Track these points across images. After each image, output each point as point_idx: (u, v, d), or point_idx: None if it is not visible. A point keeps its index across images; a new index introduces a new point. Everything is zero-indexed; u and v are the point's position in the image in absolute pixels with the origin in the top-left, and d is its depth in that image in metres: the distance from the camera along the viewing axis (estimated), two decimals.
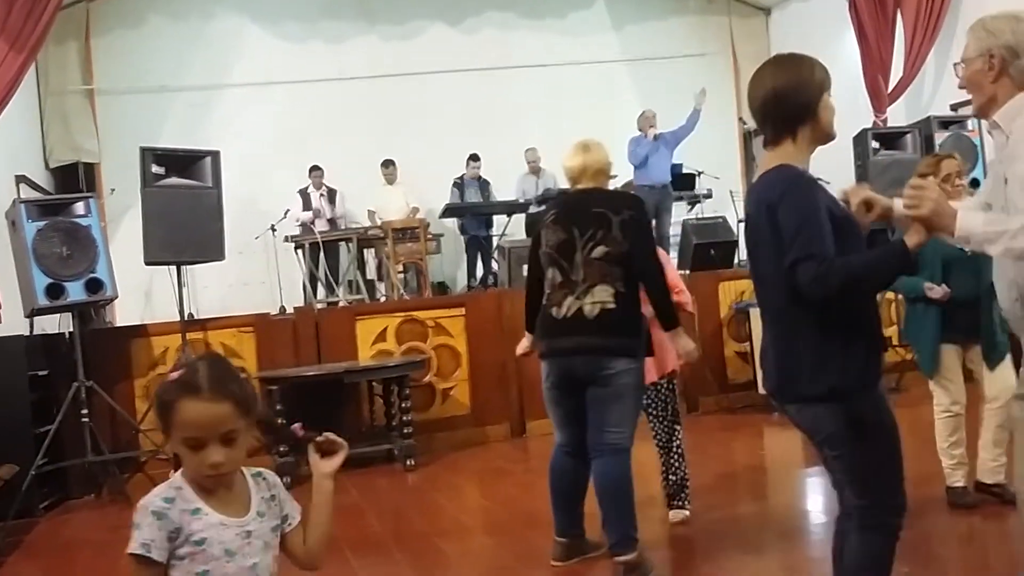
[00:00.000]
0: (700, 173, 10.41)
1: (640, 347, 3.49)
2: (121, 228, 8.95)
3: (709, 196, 10.27)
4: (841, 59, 9.84)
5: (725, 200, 9.69)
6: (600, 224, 3.45)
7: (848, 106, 10.31)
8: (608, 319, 3.40)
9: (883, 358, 2.32)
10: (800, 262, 2.14)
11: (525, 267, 7.77)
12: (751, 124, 11.19)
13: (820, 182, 2.28)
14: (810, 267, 2.12)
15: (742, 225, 6.21)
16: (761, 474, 5.47)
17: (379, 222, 9.56)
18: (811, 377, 2.23)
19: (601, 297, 3.41)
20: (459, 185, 10.18)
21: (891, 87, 9.16)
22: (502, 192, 10.25)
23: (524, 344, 3.92)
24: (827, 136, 2.34)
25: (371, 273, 9.48)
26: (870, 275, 2.19)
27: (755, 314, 6.98)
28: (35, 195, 8.21)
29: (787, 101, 2.28)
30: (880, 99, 9.19)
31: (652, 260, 3.49)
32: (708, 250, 8.11)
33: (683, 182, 10.11)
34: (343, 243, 9.23)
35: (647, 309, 3.56)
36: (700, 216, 9.80)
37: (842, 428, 2.23)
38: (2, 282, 6.32)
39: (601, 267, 3.43)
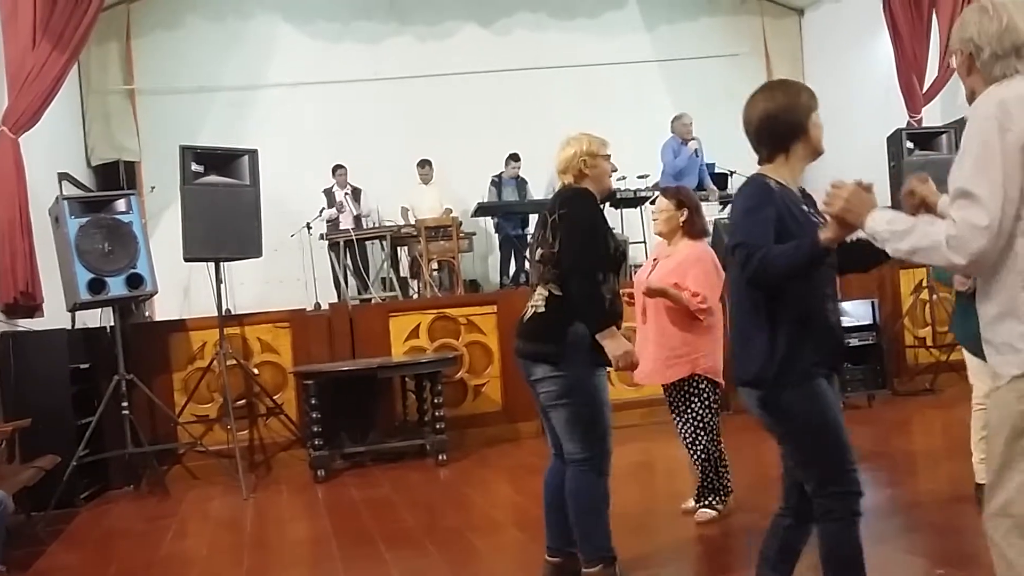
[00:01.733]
0: (733, 173, 10.35)
1: (566, 353, 3.22)
2: (161, 225, 9.10)
3: None
4: (875, 59, 9.79)
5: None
6: (543, 225, 3.36)
7: (882, 106, 10.34)
8: (532, 323, 3.32)
9: (828, 355, 2.52)
10: (736, 247, 2.45)
11: None
12: None
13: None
14: (741, 251, 2.42)
15: None
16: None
17: (412, 220, 9.63)
18: (741, 364, 2.56)
19: (536, 300, 3.33)
20: (497, 184, 10.22)
21: (926, 87, 9.08)
22: (539, 191, 10.29)
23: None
24: (816, 152, 2.60)
25: (404, 271, 9.56)
26: (784, 262, 2.38)
27: None
28: (77, 192, 8.37)
29: (779, 121, 2.54)
30: (915, 99, 9.10)
31: (572, 259, 3.22)
32: (623, 251, 8.05)
33: (716, 182, 10.08)
34: (376, 241, 9.33)
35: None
36: None
37: (768, 416, 2.52)
38: (45, 277, 6.46)
39: (538, 269, 3.35)
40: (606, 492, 3.34)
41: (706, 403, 4.31)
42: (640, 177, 9.14)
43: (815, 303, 2.51)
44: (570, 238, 3.23)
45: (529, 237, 9.71)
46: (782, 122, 2.55)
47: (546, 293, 3.28)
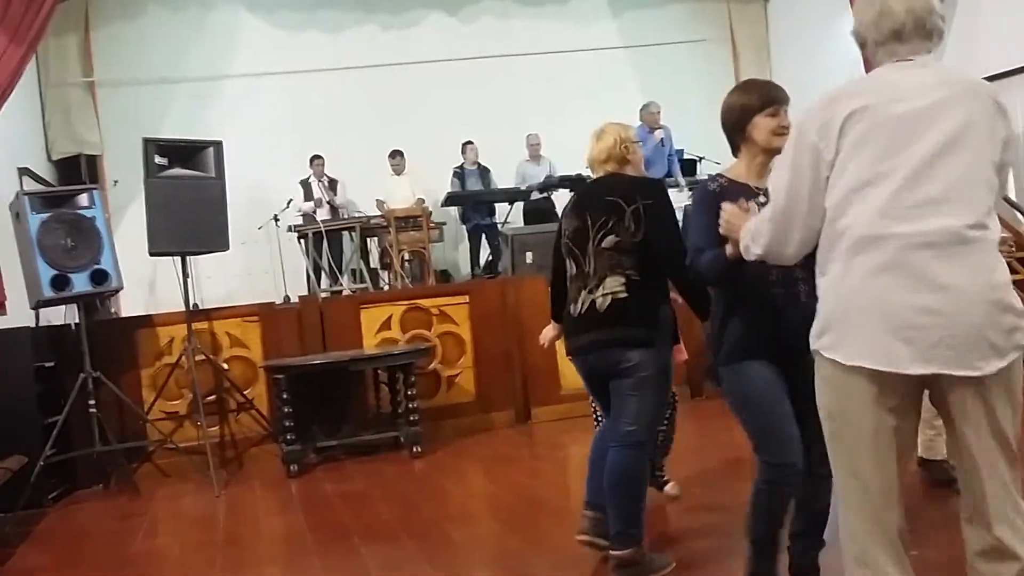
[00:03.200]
0: (702, 159, 10.42)
1: (659, 336, 3.33)
2: (125, 219, 8.97)
3: None
4: (841, 44, 9.77)
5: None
6: (612, 212, 3.33)
7: None
8: (620, 309, 3.30)
9: (763, 338, 2.77)
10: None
11: (528, 254, 7.86)
12: None
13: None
14: (682, 254, 2.93)
15: None
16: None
17: (385, 211, 9.57)
18: (707, 351, 2.97)
19: (612, 287, 3.30)
20: (459, 174, 10.19)
21: None
22: (503, 179, 10.26)
23: (548, 333, 3.83)
24: (766, 149, 2.80)
25: (374, 262, 9.50)
26: (708, 270, 2.72)
27: None
28: (38, 187, 8.22)
29: (724, 122, 2.87)
30: None
31: (672, 247, 3.26)
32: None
33: (685, 168, 10.12)
34: (346, 232, 9.26)
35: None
36: None
37: (725, 393, 2.89)
38: (7, 274, 6.33)
39: (611, 257, 3.32)
40: (647, 474, 3.48)
41: None
42: None
43: (753, 290, 2.75)
44: (664, 227, 3.32)
45: (502, 226, 9.71)
46: (725, 123, 2.87)
47: (624, 279, 3.29)
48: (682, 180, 9.60)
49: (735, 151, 2.88)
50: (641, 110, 9.40)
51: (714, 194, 2.75)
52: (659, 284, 3.38)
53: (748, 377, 2.79)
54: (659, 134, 9.24)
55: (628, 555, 3.30)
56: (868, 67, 2.31)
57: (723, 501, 4.27)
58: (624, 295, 3.29)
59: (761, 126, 2.78)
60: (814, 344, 2.19)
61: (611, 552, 3.36)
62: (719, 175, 2.89)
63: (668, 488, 4.46)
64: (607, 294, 3.31)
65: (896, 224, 2.03)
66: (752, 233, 2.32)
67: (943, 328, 1.99)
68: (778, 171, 2.26)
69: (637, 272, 3.30)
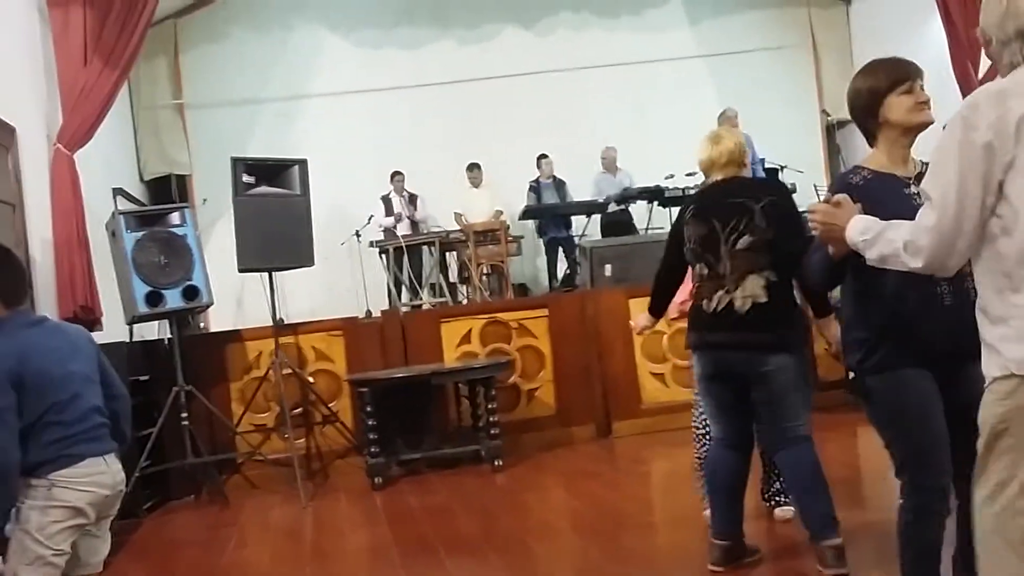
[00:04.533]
0: (783, 167, 10.22)
1: (797, 339, 3.40)
2: (213, 237, 9.22)
3: (794, 191, 10.05)
4: (927, 47, 9.55)
5: (809, 194, 9.50)
6: (741, 213, 3.36)
7: (937, 94, 9.90)
8: (759, 314, 3.32)
9: (914, 346, 2.54)
10: None
11: (607, 267, 7.81)
12: (835, 116, 11.09)
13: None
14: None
15: None
16: (855, 474, 5.34)
17: (463, 225, 9.64)
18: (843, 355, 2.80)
19: (752, 290, 3.32)
20: (535, 188, 10.19)
21: (981, 73, 8.83)
22: (579, 192, 10.24)
23: (642, 320, 3.96)
24: (908, 128, 2.61)
25: (453, 276, 9.57)
26: (815, 270, 2.68)
27: None
28: (133, 207, 8.52)
29: (854, 111, 2.69)
30: (970, 85, 8.85)
31: (800, 244, 3.18)
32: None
33: (767, 176, 9.94)
34: (425, 247, 9.35)
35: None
36: None
37: (860, 399, 2.69)
38: (103, 291, 6.58)
39: (748, 257, 3.34)
40: None
41: None
42: (688, 175, 9.03)
43: (905, 295, 2.51)
44: (791, 225, 3.36)
45: (576, 238, 9.69)
46: (854, 109, 2.69)
47: (764, 281, 3.32)
48: None
49: (871, 140, 2.69)
50: (719, 116, 9.28)
51: (858, 188, 2.54)
52: (791, 286, 3.40)
53: (905, 388, 2.55)
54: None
55: (839, 540, 3.31)
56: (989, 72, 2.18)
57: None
58: (764, 299, 3.31)
59: (896, 105, 2.59)
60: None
61: (823, 544, 3.30)
62: (860, 166, 2.67)
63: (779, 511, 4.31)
64: (747, 297, 3.33)
65: None
66: (907, 243, 2.03)
67: None
68: (939, 172, 1.97)
69: (775, 272, 3.32)
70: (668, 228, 4.60)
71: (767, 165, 10.03)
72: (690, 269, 3.63)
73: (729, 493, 3.56)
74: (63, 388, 2.84)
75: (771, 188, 3.47)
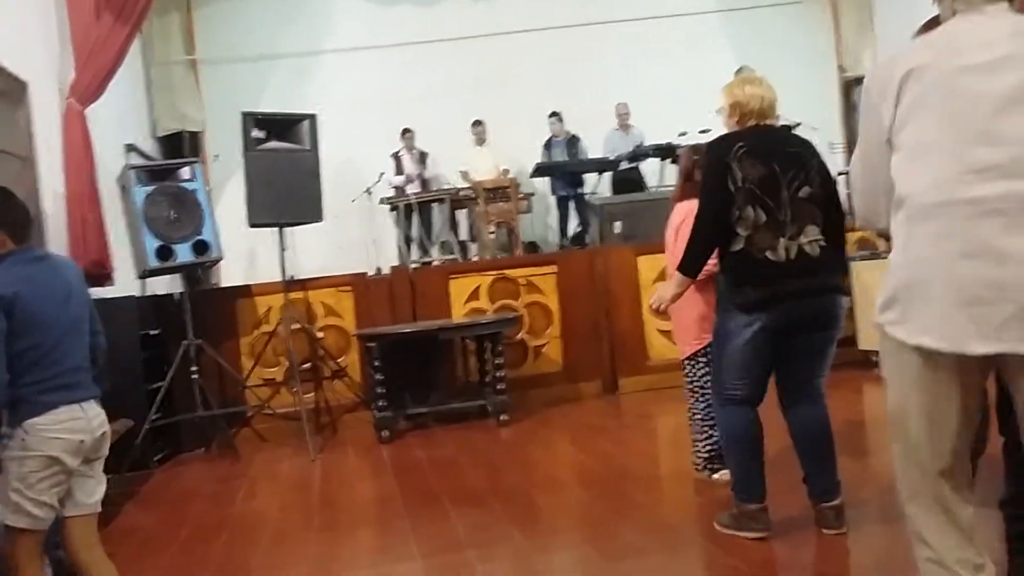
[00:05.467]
0: (798, 124, 10.08)
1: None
2: (226, 193, 9.24)
3: None
4: None
5: (824, 152, 9.39)
6: (801, 165, 3.33)
7: None
8: (828, 257, 3.33)
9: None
10: None
11: (617, 224, 7.79)
12: (852, 73, 10.92)
13: None
14: None
15: (842, 178, 6.04)
16: (859, 429, 5.35)
17: (470, 182, 9.61)
18: None
19: (815, 237, 3.30)
20: (547, 145, 10.14)
21: None
22: (591, 149, 10.17)
23: (673, 291, 3.50)
24: None
25: (463, 233, 9.56)
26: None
27: (857, 267, 6.79)
28: (143, 162, 8.53)
29: None
30: None
31: (840, 206, 3.44)
32: None
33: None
34: (436, 204, 9.35)
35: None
36: None
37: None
38: (115, 246, 6.62)
39: (809, 208, 3.31)
40: None
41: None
42: (701, 132, 8.93)
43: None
44: (835, 188, 3.46)
45: (586, 196, 9.65)
46: None
47: (819, 231, 3.33)
48: None
49: None
50: (736, 72, 9.14)
51: None
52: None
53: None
54: None
55: (842, 502, 3.40)
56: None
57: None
58: (825, 244, 3.34)
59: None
60: (879, 317, 2.08)
61: (827, 504, 3.39)
62: None
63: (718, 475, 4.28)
64: (813, 241, 3.30)
65: (958, 190, 1.90)
66: (853, 203, 2.25)
67: (1013, 302, 1.84)
68: (858, 145, 2.18)
69: (823, 227, 3.35)
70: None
71: (782, 122, 9.90)
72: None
73: (762, 452, 3.47)
74: (49, 332, 2.84)
75: (813, 148, 3.46)
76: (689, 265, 3.41)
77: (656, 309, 3.61)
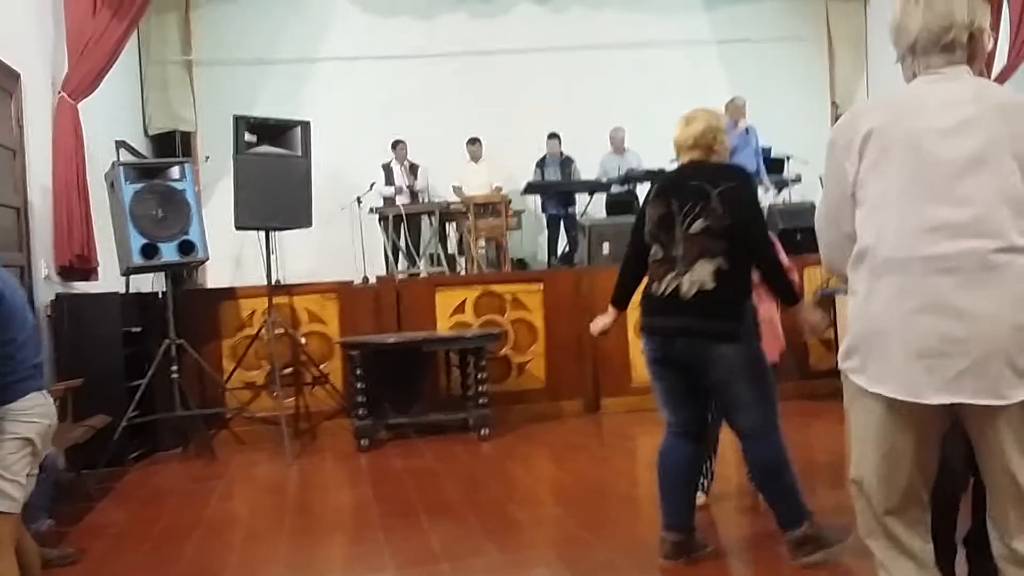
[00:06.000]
0: (789, 158, 10.19)
1: (744, 329, 3.28)
2: (215, 195, 9.22)
3: (798, 181, 10.05)
4: None
5: (814, 185, 9.46)
6: (698, 197, 3.26)
7: None
8: (704, 300, 3.22)
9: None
10: None
11: (605, 245, 7.81)
12: (844, 107, 11.03)
13: None
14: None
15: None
16: (841, 461, 5.35)
17: (462, 197, 9.63)
18: None
19: (700, 276, 3.22)
20: (540, 164, 10.18)
21: (994, 75, 8.78)
22: (585, 170, 10.21)
23: (603, 321, 3.71)
24: None
25: (452, 247, 9.57)
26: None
27: (841, 300, 6.82)
28: (133, 159, 8.50)
29: None
30: None
31: (757, 232, 3.25)
32: (795, 235, 7.94)
33: (772, 166, 9.90)
34: (425, 216, 9.35)
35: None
36: (788, 201, 9.61)
37: None
38: (100, 241, 6.58)
39: (701, 241, 3.24)
40: (787, 451, 3.41)
41: None
42: None
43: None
44: (749, 212, 3.27)
45: (580, 216, 9.68)
46: None
47: (713, 268, 3.22)
48: (767, 180, 9.42)
49: None
50: (727, 104, 9.22)
51: None
52: (746, 275, 3.31)
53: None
54: (743, 124, 9.03)
55: (802, 532, 3.32)
56: None
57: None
58: (711, 286, 3.22)
59: None
60: (841, 364, 2.17)
61: (786, 537, 3.36)
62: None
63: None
64: (694, 282, 3.24)
65: (917, 247, 1.99)
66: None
67: (967, 356, 1.93)
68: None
69: (728, 261, 3.23)
70: None
71: (773, 155, 10.00)
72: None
73: (679, 483, 3.48)
74: (23, 326, 3.01)
75: (731, 175, 3.33)
76: (614, 295, 3.69)
77: (594, 333, 3.79)
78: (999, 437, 1.98)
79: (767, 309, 3.92)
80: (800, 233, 7.98)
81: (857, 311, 2.11)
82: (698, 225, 3.26)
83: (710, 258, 3.23)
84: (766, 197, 9.58)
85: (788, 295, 3.34)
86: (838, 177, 2.15)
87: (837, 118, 11.26)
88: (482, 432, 6.22)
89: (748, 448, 3.38)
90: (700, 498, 4.02)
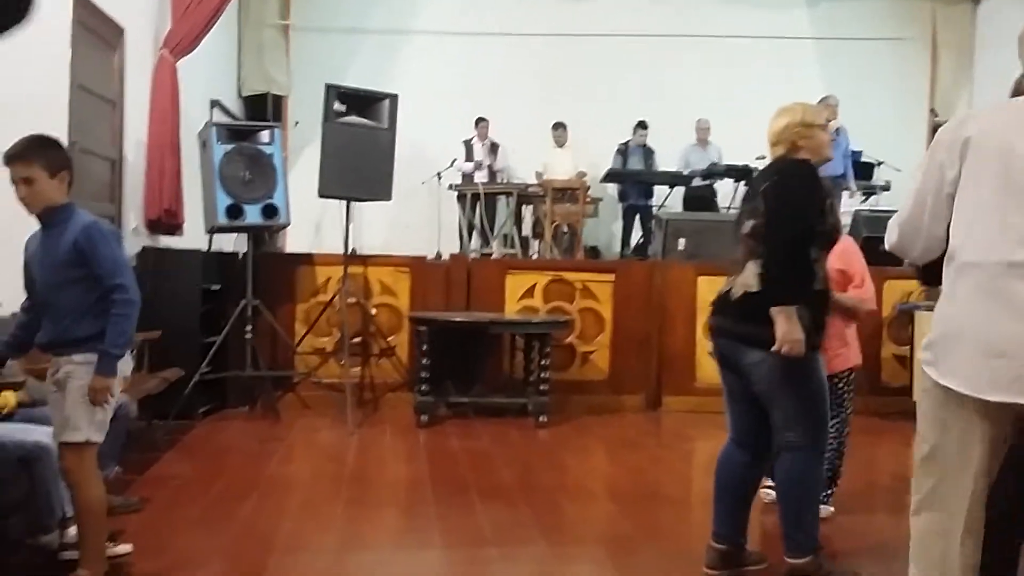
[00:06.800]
0: (880, 163, 9.91)
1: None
2: (301, 160, 9.39)
3: (887, 188, 9.76)
4: None
5: (904, 194, 9.19)
6: (754, 196, 3.20)
7: None
8: (745, 303, 3.13)
9: None
10: None
11: (681, 240, 7.71)
12: (943, 117, 10.66)
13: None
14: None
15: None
16: (904, 484, 5.22)
17: (544, 183, 9.60)
18: None
19: (747, 278, 3.14)
20: (623, 152, 10.09)
21: None
22: (667, 161, 10.10)
23: None
24: None
25: (527, 230, 9.58)
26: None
27: (920, 316, 6.64)
28: (226, 120, 8.71)
29: None
30: None
31: (773, 222, 3.06)
32: (878, 245, 7.73)
33: (861, 171, 9.63)
34: (503, 197, 9.37)
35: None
36: (875, 208, 9.34)
37: None
38: (188, 199, 6.78)
39: (748, 243, 3.17)
40: (822, 479, 3.29)
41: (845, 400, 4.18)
42: None
43: None
44: (779, 207, 3.08)
45: (655, 208, 9.59)
46: None
47: (758, 270, 3.11)
48: (854, 185, 9.18)
49: None
50: (819, 101, 8.99)
51: None
52: (798, 279, 3.09)
53: None
54: (834, 124, 8.79)
55: (801, 564, 3.20)
56: None
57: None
58: (755, 288, 3.11)
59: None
60: (920, 354, 2.31)
61: (785, 564, 3.25)
62: None
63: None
64: (742, 284, 3.17)
65: (998, 252, 2.11)
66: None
67: None
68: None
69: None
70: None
71: (863, 159, 9.74)
72: None
73: (731, 493, 3.38)
74: (129, 274, 3.14)
75: (778, 170, 3.17)
76: None
77: None
78: None
79: (835, 322, 3.77)
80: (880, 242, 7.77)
81: (939, 309, 2.26)
82: (748, 226, 3.20)
83: (756, 260, 3.14)
84: (851, 203, 9.34)
85: (774, 292, 3.05)
86: (936, 175, 2.26)
87: (935, 127, 10.84)
88: (540, 419, 6.25)
89: (780, 461, 3.22)
90: (825, 511, 3.93)
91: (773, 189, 3.11)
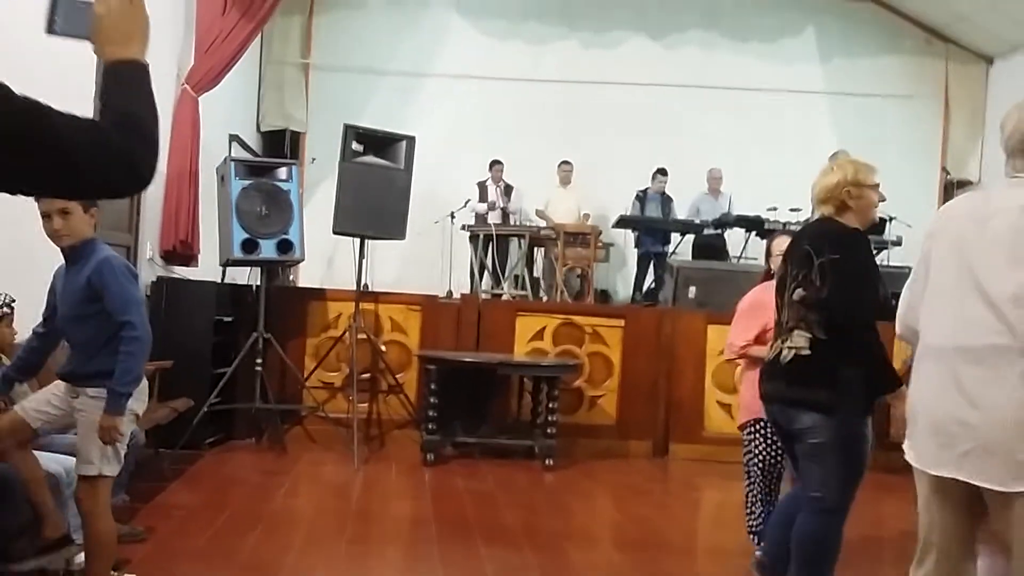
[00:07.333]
0: (892, 219, 9.93)
1: (841, 402, 3.03)
2: (316, 196, 9.47)
3: (898, 244, 9.78)
4: None
5: (915, 250, 9.21)
6: (804, 264, 3.13)
7: None
8: (797, 367, 3.10)
9: None
10: None
11: (692, 288, 7.74)
12: (954, 175, 10.73)
13: None
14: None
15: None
16: (910, 541, 5.18)
17: (546, 222, 9.66)
18: None
19: (797, 342, 3.11)
20: (641, 198, 10.13)
21: None
22: (677, 209, 10.16)
23: None
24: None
25: (538, 271, 9.62)
26: None
27: None
28: (245, 155, 8.82)
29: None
30: None
31: (851, 310, 3.03)
32: (890, 300, 7.73)
33: (871, 226, 9.65)
34: (515, 238, 9.43)
35: None
36: (885, 263, 9.36)
37: None
38: (204, 230, 6.84)
39: (798, 311, 3.14)
40: (841, 543, 3.25)
41: None
42: (792, 210, 8.88)
43: None
44: (845, 287, 3.03)
45: (669, 256, 9.63)
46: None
47: (809, 335, 3.09)
48: None
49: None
50: (831, 157, 9.04)
51: None
52: (848, 345, 3.04)
53: None
54: None
55: None
56: None
57: None
58: (807, 352, 3.09)
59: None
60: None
61: None
62: None
63: None
64: (792, 348, 3.13)
65: (953, 338, 2.27)
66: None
67: (974, 440, 2.17)
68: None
69: (824, 331, 3.07)
70: (762, 260, 4.51)
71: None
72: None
73: (781, 526, 3.37)
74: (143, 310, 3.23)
75: (839, 242, 3.09)
76: None
77: None
78: (1013, 520, 2.18)
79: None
80: (896, 299, 7.77)
81: (910, 388, 2.47)
82: (798, 293, 3.15)
83: (806, 328, 3.11)
84: None
85: (887, 385, 3.03)
86: (923, 259, 2.47)
87: (947, 185, 10.96)
88: (547, 462, 6.23)
89: (803, 518, 3.19)
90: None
91: (841, 266, 3.04)
